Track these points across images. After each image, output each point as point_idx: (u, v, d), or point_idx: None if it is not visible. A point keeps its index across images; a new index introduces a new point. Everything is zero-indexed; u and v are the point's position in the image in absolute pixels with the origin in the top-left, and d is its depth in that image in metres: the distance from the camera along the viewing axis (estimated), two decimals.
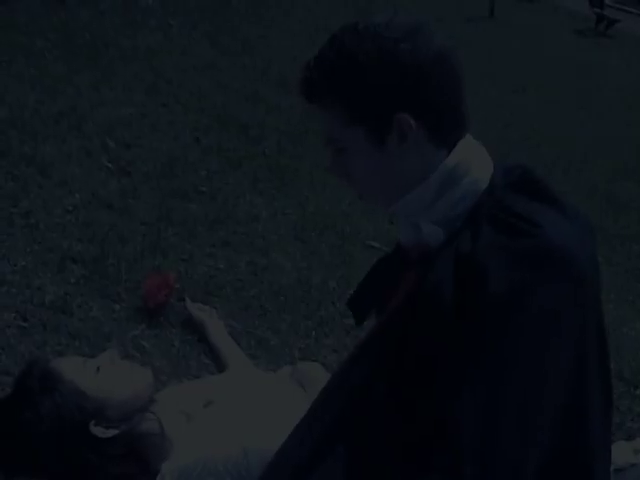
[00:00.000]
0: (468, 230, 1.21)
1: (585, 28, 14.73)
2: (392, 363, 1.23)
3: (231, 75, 5.37)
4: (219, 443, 1.71)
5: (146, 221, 3.02)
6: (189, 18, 6.43)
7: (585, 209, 1.32)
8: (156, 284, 2.45)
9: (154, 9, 6.29)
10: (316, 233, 3.38)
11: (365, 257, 3.15)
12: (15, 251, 2.56)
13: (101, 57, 4.83)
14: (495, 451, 1.11)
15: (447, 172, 1.23)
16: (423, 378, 1.17)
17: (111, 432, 1.66)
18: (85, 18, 5.49)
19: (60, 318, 2.30)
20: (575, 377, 1.18)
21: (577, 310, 1.16)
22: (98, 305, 2.42)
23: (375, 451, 1.23)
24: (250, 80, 5.38)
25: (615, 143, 6.88)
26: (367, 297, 1.62)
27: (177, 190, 3.37)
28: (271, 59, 6.04)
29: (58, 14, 5.37)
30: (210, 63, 5.50)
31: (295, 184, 3.83)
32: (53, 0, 5.59)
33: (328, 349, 2.53)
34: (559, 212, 1.23)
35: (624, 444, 2.10)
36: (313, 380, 1.98)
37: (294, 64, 5.84)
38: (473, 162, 1.26)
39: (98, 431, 1.64)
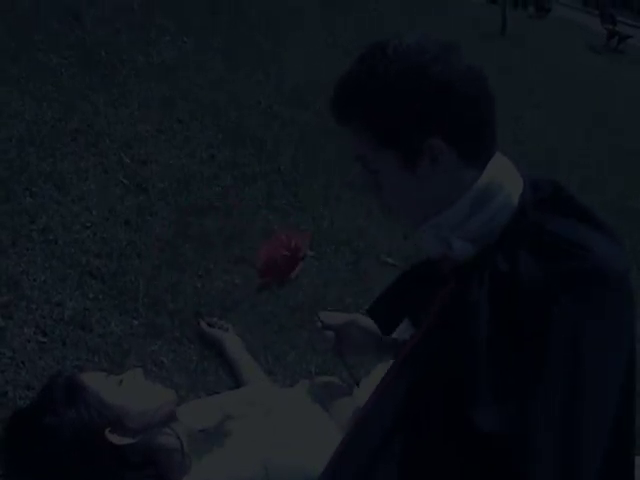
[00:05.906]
0: (503, 251, 1.20)
1: (597, 44, 14.75)
2: (439, 374, 1.21)
3: (246, 91, 5.40)
4: (239, 459, 1.71)
5: (162, 237, 3.04)
6: (203, 34, 6.47)
7: None
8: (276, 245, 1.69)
9: (168, 26, 6.33)
10: (331, 249, 3.39)
11: (381, 273, 3.16)
12: (34, 266, 2.58)
13: (117, 74, 4.86)
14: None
15: (480, 191, 1.22)
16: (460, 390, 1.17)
17: (126, 440, 1.68)
18: (101, 36, 5.53)
19: (79, 333, 2.32)
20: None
21: (629, 326, 1.23)
22: (117, 320, 2.43)
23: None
24: (265, 96, 5.41)
25: (629, 158, 6.87)
26: (394, 308, 1.61)
27: (193, 206, 3.39)
28: (285, 74, 6.07)
29: (74, 31, 5.42)
30: (224, 79, 5.52)
31: (310, 200, 3.84)
32: (69, 18, 5.64)
33: None
34: (600, 231, 1.22)
35: None
36: (331, 395, 1.99)
37: (307, 79, 5.87)
38: (505, 179, 1.25)
39: (114, 438, 1.67)
